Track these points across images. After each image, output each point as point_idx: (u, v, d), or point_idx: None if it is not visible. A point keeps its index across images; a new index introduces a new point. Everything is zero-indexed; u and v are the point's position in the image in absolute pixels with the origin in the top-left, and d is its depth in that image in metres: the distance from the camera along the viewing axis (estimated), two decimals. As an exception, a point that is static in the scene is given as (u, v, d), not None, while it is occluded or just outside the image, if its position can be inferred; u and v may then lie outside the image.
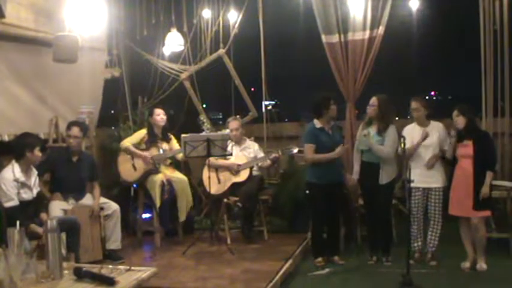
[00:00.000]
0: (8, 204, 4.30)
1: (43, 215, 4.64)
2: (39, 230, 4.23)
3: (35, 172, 4.68)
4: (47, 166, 5.07)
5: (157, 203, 5.67)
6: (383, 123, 5.19)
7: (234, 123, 6.09)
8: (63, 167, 5.18)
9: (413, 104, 5.20)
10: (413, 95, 5.29)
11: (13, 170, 4.45)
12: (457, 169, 4.98)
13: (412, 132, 5.17)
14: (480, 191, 4.80)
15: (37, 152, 4.55)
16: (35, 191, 4.61)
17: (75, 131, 5.18)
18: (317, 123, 5.24)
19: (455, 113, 4.96)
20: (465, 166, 4.90)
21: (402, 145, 4.72)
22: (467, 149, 4.90)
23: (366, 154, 5.23)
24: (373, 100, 5.23)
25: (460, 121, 4.93)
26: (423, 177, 5.03)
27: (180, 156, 5.96)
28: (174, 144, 6.05)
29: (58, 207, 4.97)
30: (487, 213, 4.94)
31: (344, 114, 6.44)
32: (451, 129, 5.14)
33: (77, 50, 5.11)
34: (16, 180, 4.42)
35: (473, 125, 4.98)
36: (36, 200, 4.63)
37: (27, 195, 4.51)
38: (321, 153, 5.15)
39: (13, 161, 4.53)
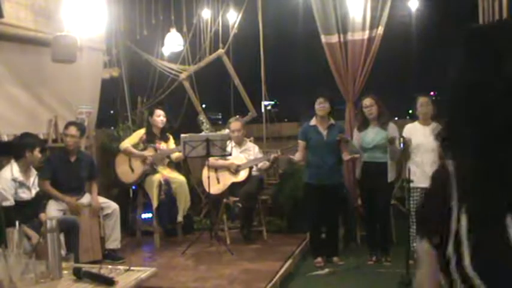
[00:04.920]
0: (3, 204, 4.30)
1: (42, 215, 4.64)
2: (31, 232, 4.22)
3: (34, 172, 4.67)
4: (50, 168, 5.07)
5: (155, 203, 5.68)
6: (384, 118, 5.22)
7: (235, 124, 6.08)
8: (61, 167, 5.18)
9: (423, 99, 5.15)
10: (412, 95, 5.29)
11: (11, 170, 4.45)
12: None
13: (413, 131, 5.16)
14: None
15: (37, 153, 4.56)
16: (34, 191, 4.61)
17: (72, 130, 5.18)
18: (312, 121, 5.31)
19: None
20: None
21: (401, 145, 4.72)
22: None
23: (366, 154, 5.22)
24: (369, 101, 5.24)
25: None
26: (422, 177, 5.03)
27: (174, 155, 5.96)
28: (172, 144, 6.06)
29: (56, 207, 4.98)
30: None
31: (343, 115, 6.43)
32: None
33: (75, 50, 5.10)
34: (14, 179, 4.43)
35: None
36: (34, 200, 4.62)
37: (25, 195, 4.51)
38: (311, 151, 5.23)
39: (12, 161, 4.52)
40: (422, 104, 5.15)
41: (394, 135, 5.06)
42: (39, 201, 4.76)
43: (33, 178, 4.64)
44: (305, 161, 5.33)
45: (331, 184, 5.21)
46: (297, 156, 5.33)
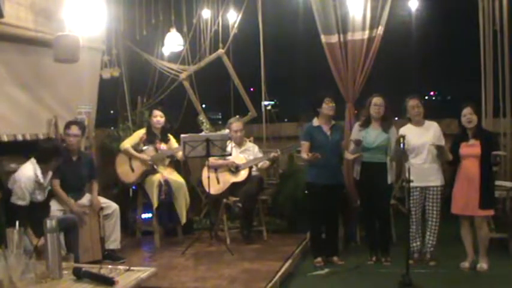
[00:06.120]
0: (18, 203, 4.34)
1: None
2: (33, 239, 4.23)
3: (50, 173, 4.71)
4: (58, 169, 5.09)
5: (155, 203, 5.67)
6: (388, 121, 5.22)
7: (237, 124, 6.07)
8: (63, 167, 5.16)
9: (414, 102, 5.16)
10: (410, 95, 5.28)
11: (35, 170, 4.47)
12: (461, 168, 4.95)
13: (407, 133, 5.15)
14: (487, 189, 4.78)
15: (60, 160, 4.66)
16: (46, 192, 4.64)
17: (74, 129, 5.18)
18: (315, 122, 5.30)
19: (468, 110, 4.89)
20: (470, 165, 4.86)
21: (401, 144, 4.72)
22: (473, 148, 4.86)
23: (367, 154, 5.22)
24: (380, 100, 5.23)
25: (474, 119, 4.89)
26: (421, 176, 5.02)
27: (179, 155, 5.95)
28: (173, 144, 6.05)
29: (57, 207, 4.97)
30: (491, 212, 4.93)
31: (343, 115, 6.43)
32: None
33: (78, 50, 5.09)
34: (37, 181, 4.46)
35: (480, 124, 4.99)
36: (45, 202, 4.66)
37: (40, 196, 4.56)
38: (316, 152, 5.13)
39: (34, 161, 4.53)
40: (413, 106, 5.16)
41: (403, 134, 5.02)
42: (48, 202, 4.78)
43: (48, 179, 4.69)
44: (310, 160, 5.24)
45: (334, 184, 5.22)
46: (307, 156, 5.18)
